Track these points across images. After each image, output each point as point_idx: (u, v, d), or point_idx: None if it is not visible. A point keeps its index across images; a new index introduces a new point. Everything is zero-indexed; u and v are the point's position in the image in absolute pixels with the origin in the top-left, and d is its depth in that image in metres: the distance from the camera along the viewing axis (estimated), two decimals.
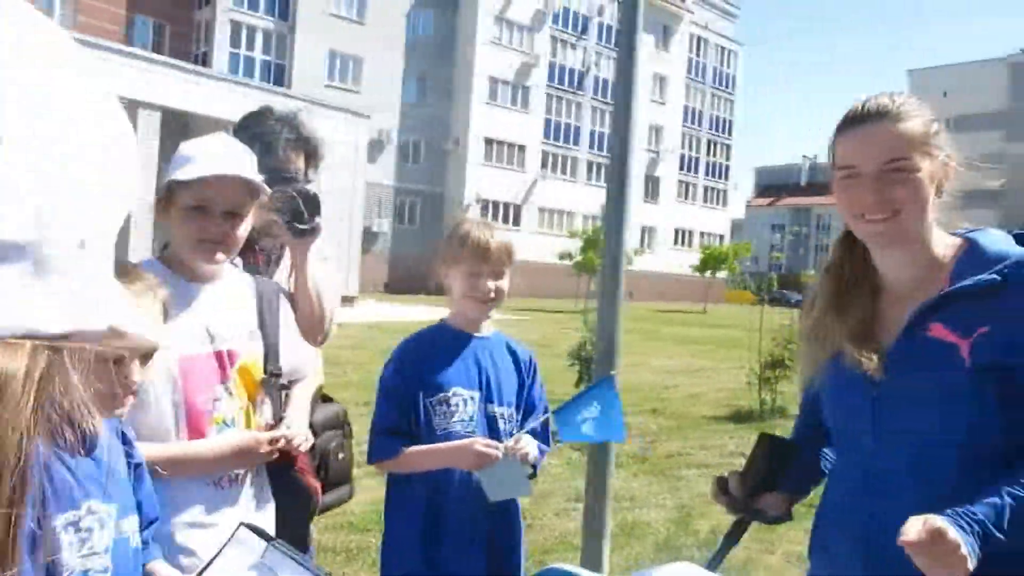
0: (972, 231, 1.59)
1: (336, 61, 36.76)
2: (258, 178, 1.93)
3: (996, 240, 1.56)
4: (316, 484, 2.15)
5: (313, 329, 2.28)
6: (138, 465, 1.48)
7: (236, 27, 33.60)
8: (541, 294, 41.62)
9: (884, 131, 1.50)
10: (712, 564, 1.60)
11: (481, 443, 2.15)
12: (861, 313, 1.60)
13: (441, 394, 2.23)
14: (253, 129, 2.45)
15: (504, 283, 2.30)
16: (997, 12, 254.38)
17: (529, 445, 2.22)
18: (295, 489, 2.06)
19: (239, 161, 1.91)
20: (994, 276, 1.47)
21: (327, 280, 2.37)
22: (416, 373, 2.25)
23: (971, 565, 1.28)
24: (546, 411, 2.33)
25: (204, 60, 31.66)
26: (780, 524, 1.76)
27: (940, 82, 65.25)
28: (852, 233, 1.62)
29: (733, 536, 1.66)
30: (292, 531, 1.96)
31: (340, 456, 2.43)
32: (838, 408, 1.67)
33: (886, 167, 1.49)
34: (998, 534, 1.33)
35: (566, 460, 6.76)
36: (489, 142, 44.88)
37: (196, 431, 1.83)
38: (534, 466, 2.28)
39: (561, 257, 34.61)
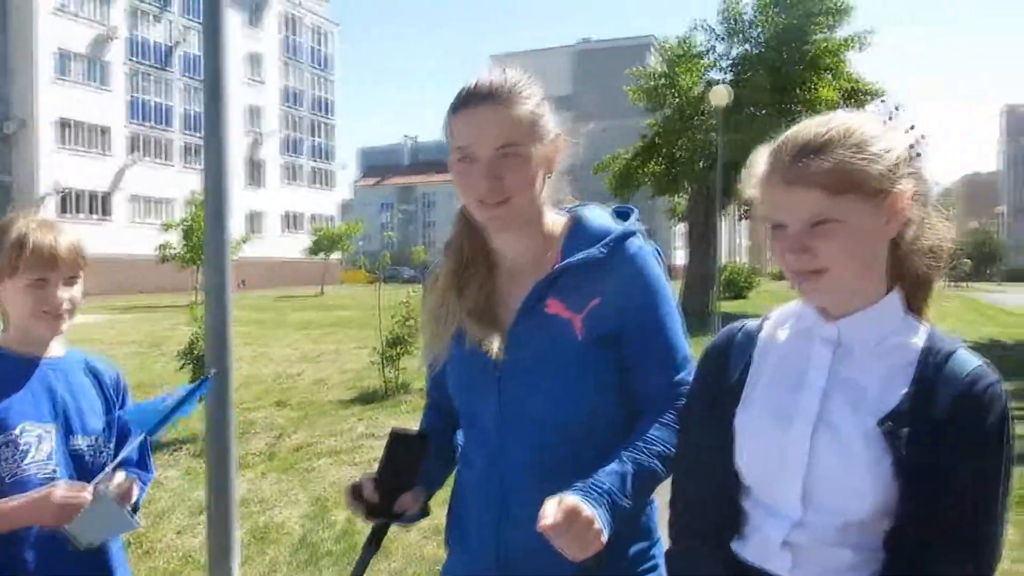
0: (577, 207, 1.66)
1: None
2: None
3: (598, 216, 1.63)
4: None
5: None
6: None
7: None
8: (142, 290, 38.17)
9: (495, 116, 1.49)
10: None
11: (61, 490, 1.72)
12: (479, 291, 1.59)
13: (6, 433, 1.76)
14: None
15: (78, 290, 1.89)
16: (567, 2, 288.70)
17: (123, 479, 1.82)
18: None
19: None
20: (600, 251, 1.54)
21: None
22: None
23: (604, 538, 1.30)
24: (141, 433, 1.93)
25: None
26: (418, 521, 1.66)
27: (517, 67, 72.84)
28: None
29: (372, 544, 1.53)
30: None
31: None
32: (463, 389, 1.63)
33: (498, 152, 1.48)
34: (624, 501, 1.37)
35: (184, 471, 6.17)
36: (64, 124, 39.79)
37: None
38: (135, 505, 1.90)
39: (160, 249, 31.44)
